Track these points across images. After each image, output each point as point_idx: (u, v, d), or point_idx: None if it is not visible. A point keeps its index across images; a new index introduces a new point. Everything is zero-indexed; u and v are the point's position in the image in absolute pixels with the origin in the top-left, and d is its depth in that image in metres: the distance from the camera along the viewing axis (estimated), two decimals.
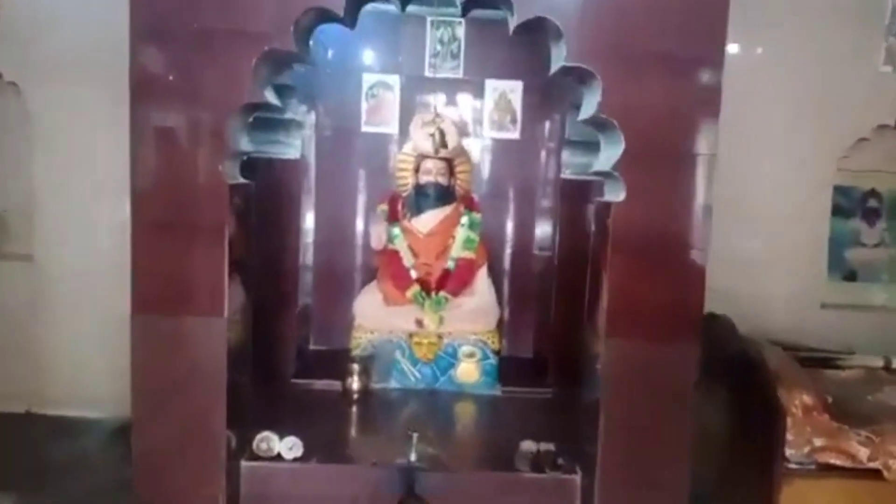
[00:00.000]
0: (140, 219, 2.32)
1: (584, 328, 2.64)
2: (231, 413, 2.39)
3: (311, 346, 3.72)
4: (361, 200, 3.70)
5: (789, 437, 2.65)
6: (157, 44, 2.30)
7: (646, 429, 2.40)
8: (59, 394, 4.07)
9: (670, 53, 2.29)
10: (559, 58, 2.34)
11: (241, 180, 2.50)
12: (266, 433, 2.59)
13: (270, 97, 2.43)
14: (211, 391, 2.37)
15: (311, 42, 2.57)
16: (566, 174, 3.28)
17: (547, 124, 3.67)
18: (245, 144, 2.49)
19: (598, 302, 2.42)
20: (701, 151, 2.32)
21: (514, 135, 3.67)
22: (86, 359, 4.00)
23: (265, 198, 3.17)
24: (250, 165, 3.21)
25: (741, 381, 2.98)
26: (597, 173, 2.53)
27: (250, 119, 2.53)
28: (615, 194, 2.34)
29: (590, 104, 2.38)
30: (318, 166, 3.64)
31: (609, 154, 2.39)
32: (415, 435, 2.58)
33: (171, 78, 2.29)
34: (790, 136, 4.04)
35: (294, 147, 3.31)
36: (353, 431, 2.90)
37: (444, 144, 3.08)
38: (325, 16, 2.40)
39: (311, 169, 3.62)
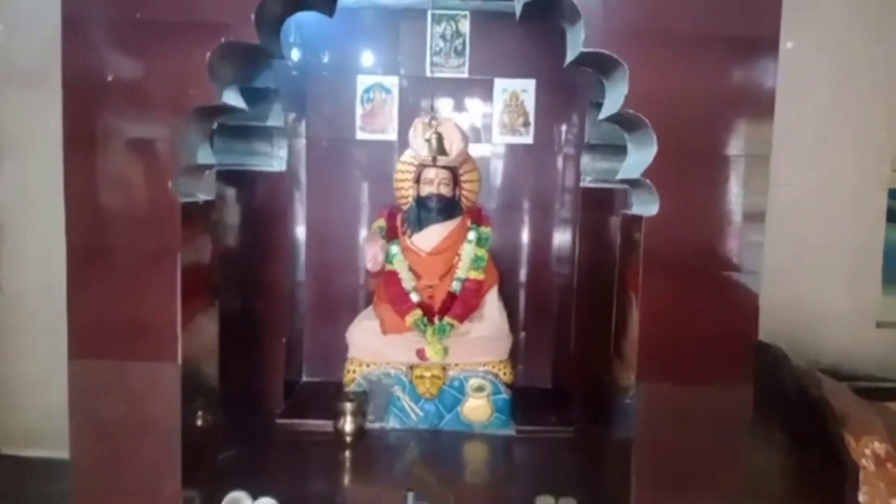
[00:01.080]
0: (75, 245, 1.93)
1: (612, 358, 2.27)
2: (194, 468, 2.01)
3: (304, 379, 3.45)
4: (357, 216, 3.39)
5: (862, 497, 2.18)
6: (94, 36, 1.89)
7: (687, 482, 1.98)
8: (29, 431, 3.68)
9: (713, 35, 1.85)
10: (576, 44, 1.91)
11: (201, 198, 2.09)
12: (235, 494, 2.17)
13: (233, 100, 2.02)
14: (163, 448, 1.97)
15: (280, 33, 2.15)
16: (586, 182, 2.92)
17: (563, 127, 3.32)
18: (206, 156, 2.08)
19: (627, 330, 1.99)
20: (751, 153, 1.87)
21: (527, 139, 3.35)
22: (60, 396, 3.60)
23: (249, 215, 2.92)
24: (231, 180, 2.91)
25: (799, 425, 2.50)
26: (623, 181, 2.09)
27: (213, 126, 2.14)
28: (646, 206, 1.91)
29: (614, 99, 1.94)
30: (310, 179, 3.35)
31: (638, 158, 1.95)
32: (410, 495, 2.14)
33: (109, 78, 1.89)
34: (838, 132, 3.54)
35: (279, 159, 2.95)
36: (344, 482, 2.53)
37: (442, 151, 2.65)
38: (296, 1, 1.99)
39: (302, 182, 3.35)
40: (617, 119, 1.98)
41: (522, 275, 3.43)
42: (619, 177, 2.09)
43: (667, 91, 1.85)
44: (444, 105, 3.35)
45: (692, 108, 1.86)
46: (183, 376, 1.95)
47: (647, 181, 1.86)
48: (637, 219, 1.94)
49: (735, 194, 1.89)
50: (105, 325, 1.93)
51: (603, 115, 2.03)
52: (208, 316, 2.21)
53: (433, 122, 2.67)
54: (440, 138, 2.62)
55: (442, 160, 2.82)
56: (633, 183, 2.02)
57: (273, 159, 2.94)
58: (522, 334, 3.36)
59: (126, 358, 1.93)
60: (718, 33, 1.86)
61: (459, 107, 3.36)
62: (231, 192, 2.91)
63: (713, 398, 1.92)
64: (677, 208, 1.87)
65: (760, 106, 1.88)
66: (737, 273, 1.90)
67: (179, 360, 1.93)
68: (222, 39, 1.86)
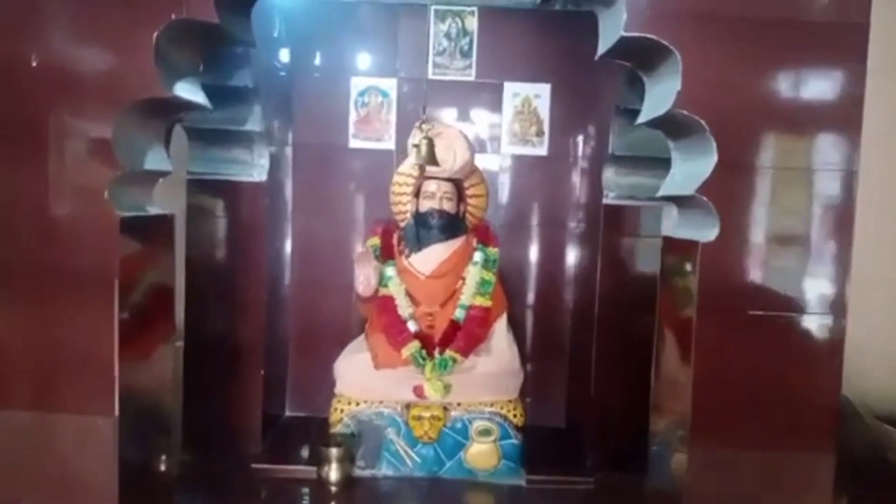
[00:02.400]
0: None
1: (648, 408, 1.94)
2: None
3: (287, 413, 3.13)
4: (349, 233, 3.08)
5: None
6: (14, 11, 1.47)
7: None
8: None
9: (788, 21, 1.43)
10: (613, 29, 1.50)
11: (152, 211, 1.67)
12: None
13: (188, 93, 1.60)
14: None
15: (249, 15, 1.74)
16: (609, 199, 2.62)
17: (582, 137, 3.03)
18: (158, 161, 1.67)
19: (672, 379, 1.60)
20: (834, 166, 1.45)
21: (541, 150, 3.05)
22: None
23: (225, 231, 2.64)
24: (206, 191, 2.61)
25: (875, 489, 2.04)
26: (665, 198, 1.66)
27: (167, 126, 1.73)
28: (699, 229, 1.49)
29: (659, 98, 1.54)
30: (296, 191, 3.05)
31: (688, 171, 1.54)
32: None
33: (34, 63, 1.47)
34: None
35: (259, 167, 2.64)
36: None
37: (432, 159, 2.25)
38: None
39: (287, 194, 3.02)
40: (661, 123, 1.57)
41: (531, 300, 3.14)
42: (661, 193, 1.69)
43: (730, 88, 1.43)
44: (448, 112, 3.01)
45: (761, 110, 1.44)
46: (128, 424, 1.54)
47: (704, 199, 1.43)
48: (686, 245, 1.52)
49: (815, 217, 1.47)
50: (26, 366, 1.50)
51: (644, 117, 1.62)
52: (164, 349, 1.80)
53: (424, 126, 2.25)
54: (430, 145, 2.20)
55: (434, 171, 2.49)
56: (679, 201, 1.61)
57: (253, 168, 2.63)
58: (529, 366, 3.04)
59: (47, 409, 1.50)
60: (795, 18, 1.44)
61: (465, 114, 3.05)
62: (205, 205, 2.62)
63: (785, 468, 1.51)
64: (741, 233, 1.45)
65: (846, 109, 1.46)
66: (816, 316, 1.48)
67: (116, 412, 1.50)
68: (172, 16, 1.44)
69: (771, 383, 1.54)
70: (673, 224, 1.67)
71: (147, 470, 1.77)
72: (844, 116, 1.47)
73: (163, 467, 1.89)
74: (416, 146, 2.19)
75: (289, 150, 2.97)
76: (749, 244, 1.48)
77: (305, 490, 2.43)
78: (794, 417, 1.51)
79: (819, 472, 1.51)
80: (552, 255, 3.09)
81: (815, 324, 1.49)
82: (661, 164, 2.35)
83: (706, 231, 1.49)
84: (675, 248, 1.67)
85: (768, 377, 1.53)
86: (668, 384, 1.76)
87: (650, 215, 2.53)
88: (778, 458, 1.52)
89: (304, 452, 2.66)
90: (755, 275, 1.49)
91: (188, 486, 2.34)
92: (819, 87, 1.46)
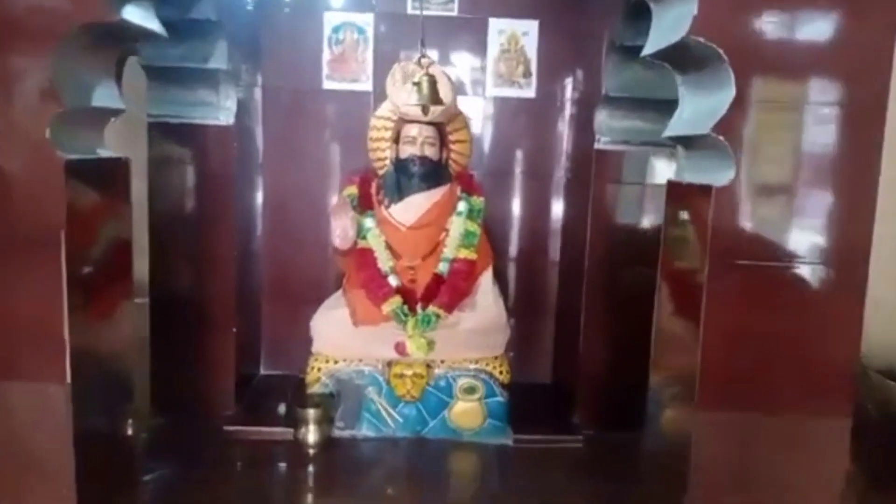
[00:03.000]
0: None
1: (637, 360, 1.86)
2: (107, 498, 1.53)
3: (262, 372, 3.00)
4: (324, 182, 2.91)
5: None
6: None
7: None
8: None
9: None
10: None
11: (103, 154, 1.49)
12: None
13: (139, 18, 1.40)
14: (51, 489, 1.40)
15: None
16: (602, 144, 2.47)
17: (573, 77, 2.86)
18: (107, 99, 1.48)
19: (677, 339, 1.47)
20: (862, 103, 1.31)
21: (528, 92, 2.88)
22: None
23: (190, 179, 2.47)
24: (168, 135, 2.43)
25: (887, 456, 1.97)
26: (672, 140, 1.52)
27: (118, 57, 1.53)
28: (711, 173, 1.35)
29: (670, 25, 1.37)
30: (267, 137, 2.86)
31: (700, 107, 1.40)
32: None
33: None
34: None
35: (225, 110, 2.46)
36: None
37: (435, 99, 2.07)
38: None
39: (258, 140, 2.82)
40: (669, 55, 1.41)
41: (516, 252, 3.02)
42: (667, 133, 1.53)
43: (752, 11, 1.27)
44: (428, 51, 2.74)
45: (786, 38, 1.29)
46: (84, 390, 1.39)
47: (719, 138, 1.29)
48: (694, 191, 1.38)
49: (839, 160, 1.34)
50: None
51: (650, 48, 1.46)
52: (123, 307, 1.64)
53: (423, 61, 2.06)
54: (433, 82, 2.03)
55: (433, 114, 2.31)
56: (688, 142, 1.46)
57: (219, 111, 2.45)
58: (513, 321, 2.90)
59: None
60: None
61: (446, 53, 2.85)
62: (169, 151, 2.44)
63: (798, 433, 1.40)
64: (759, 176, 1.31)
65: (879, 40, 1.31)
66: (835, 269, 1.36)
67: (68, 378, 1.35)
68: None
69: (786, 340, 1.43)
70: (680, 168, 1.53)
71: (110, 437, 1.63)
72: (876, 49, 1.32)
73: (129, 433, 1.74)
74: (417, 84, 2.00)
75: (258, 93, 2.77)
76: (767, 189, 1.35)
77: (281, 452, 2.31)
78: (809, 378, 1.41)
79: (834, 436, 1.41)
80: (539, 204, 2.97)
81: (834, 276, 1.38)
82: (659, 105, 2.23)
83: (719, 174, 1.36)
84: (682, 195, 1.54)
85: (783, 334, 1.42)
86: (669, 340, 1.65)
87: (645, 161, 2.43)
88: (791, 421, 1.43)
89: (281, 412, 2.55)
90: (773, 223, 1.37)
91: (155, 453, 2.23)
92: (848, 15, 1.30)
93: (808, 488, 1.48)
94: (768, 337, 1.41)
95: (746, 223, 1.38)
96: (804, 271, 1.39)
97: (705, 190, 1.37)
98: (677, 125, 1.49)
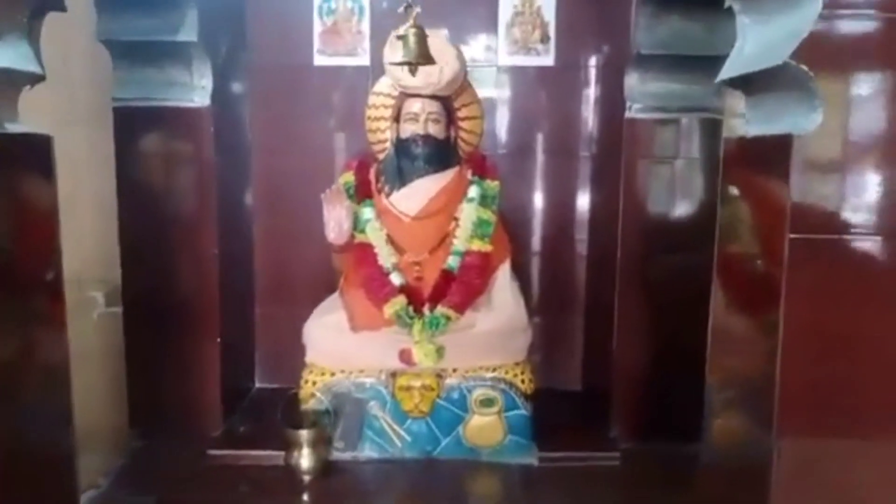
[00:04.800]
0: None
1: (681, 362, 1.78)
2: None
3: (257, 385, 2.77)
4: (320, 169, 2.66)
5: None
6: None
7: None
8: None
9: None
10: None
11: (12, 129, 1.21)
12: None
13: None
14: None
15: None
16: (633, 112, 2.21)
17: (597, 38, 2.60)
18: (17, 59, 1.19)
19: (722, 326, 1.16)
20: None
21: (547, 60, 2.64)
22: None
23: (164, 170, 2.24)
24: (137, 121, 2.18)
25: None
26: (733, 84, 1.18)
27: (30, 9, 1.24)
28: (788, 119, 1.01)
29: None
30: (254, 120, 2.64)
31: (768, 36, 1.06)
32: None
33: None
34: None
35: (200, 90, 2.23)
36: None
37: (424, 54, 1.75)
38: None
39: (244, 124, 2.59)
40: None
41: (538, 243, 2.80)
42: (724, 75, 1.20)
43: None
44: (431, 15, 2.46)
45: None
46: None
47: (802, 68, 0.95)
48: (764, 149, 1.05)
49: None
50: None
51: None
52: (52, 317, 1.35)
53: (409, 9, 1.75)
54: (421, 35, 1.72)
55: (417, 87, 2.11)
56: (749, 85, 1.12)
57: (192, 91, 2.23)
58: (537, 321, 2.71)
59: None
60: None
61: (452, 18, 2.60)
62: (138, 139, 2.22)
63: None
64: (854, 124, 0.96)
65: None
66: None
67: None
68: None
69: (887, 341, 1.08)
70: (745, 120, 1.19)
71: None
72: None
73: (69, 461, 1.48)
74: (402, 37, 1.70)
75: (243, 71, 2.53)
76: (872, 135, 1.01)
77: (272, 479, 2.06)
78: None
79: None
80: (563, 187, 2.72)
81: None
82: (701, 63, 1.99)
83: (800, 120, 1.02)
84: (743, 157, 1.20)
85: (885, 333, 1.07)
86: (728, 338, 1.33)
87: (685, 131, 2.16)
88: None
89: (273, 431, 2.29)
90: (873, 186, 1.02)
91: (129, 480, 2.03)
92: None
93: None
94: (863, 337, 1.07)
95: (838, 187, 1.03)
96: None
97: (779, 145, 1.03)
98: (737, 63, 1.16)
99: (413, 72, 1.85)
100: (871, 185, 1.07)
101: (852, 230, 1.06)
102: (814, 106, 0.98)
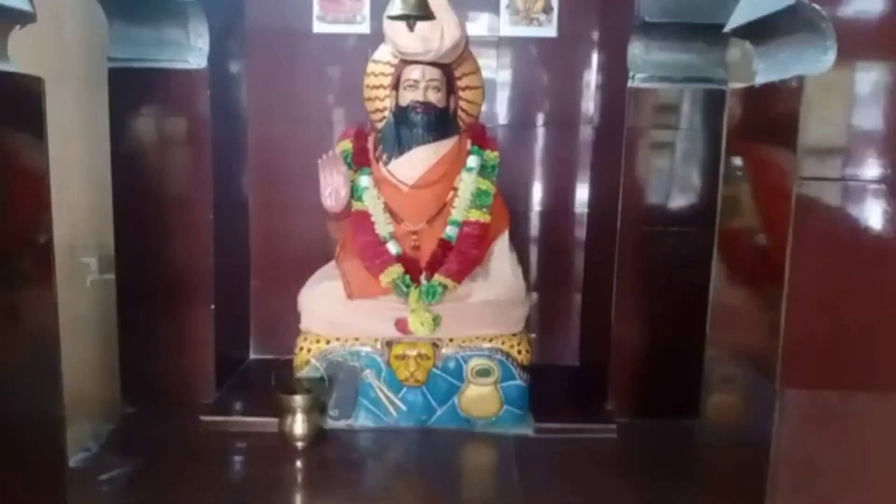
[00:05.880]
0: None
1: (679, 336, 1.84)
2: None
3: (252, 356, 2.73)
4: (318, 138, 2.61)
5: None
6: None
7: None
8: None
9: None
10: None
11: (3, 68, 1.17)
12: None
13: None
14: None
15: None
16: (637, 82, 2.17)
17: (601, 8, 2.55)
18: None
19: (725, 296, 1.16)
20: None
21: (549, 31, 2.59)
22: None
23: (159, 133, 2.21)
24: (132, 82, 2.13)
25: None
26: (742, 34, 1.15)
27: None
28: (800, 63, 0.99)
29: None
30: (251, 87, 2.59)
31: None
32: None
33: None
34: None
35: (197, 51, 2.19)
36: None
37: (422, 7, 1.71)
38: None
39: (241, 90, 2.54)
40: None
41: (537, 215, 2.75)
42: (732, 24, 1.17)
43: None
44: None
45: None
46: None
47: (813, 6, 0.92)
48: (776, 97, 1.01)
49: None
50: None
51: None
52: (40, 278, 1.31)
53: None
54: None
55: (416, 53, 2.08)
56: (758, 35, 1.09)
57: (189, 51, 2.18)
58: (536, 295, 2.71)
59: None
60: None
61: None
62: (133, 100, 2.17)
63: None
64: (871, 63, 0.94)
65: None
66: None
67: None
68: None
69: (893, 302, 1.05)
70: (756, 70, 1.16)
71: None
72: None
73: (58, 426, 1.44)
74: None
75: (240, 35, 2.49)
76: (886, 75, 0.98)
77: (266, 446, 2.05)
78: None
79: None
80: (564, 159, 2.67)
81: None
82: (708, 31, 1.95)
83: (812, 61, 0.99)
84: (748, 116, 1.17)
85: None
86: (731, 309, 1.30)
87: (690, 101, 2.12)
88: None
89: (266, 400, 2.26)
90: (892, 127, 0.99)
91: (120, 447, 1.99)
92: None
93: None
94: (880, 293, 1.04)
95: (851, 131, 1.00)
96: None
97: (790, 90, 1.00)
98: (747, 9, 1.12)
99: (411, 27, 1.81)
100: (876, 131, 1.04)
101: (865, 178, 1.03)
102: (826, 47, 0.95)
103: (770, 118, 1.13)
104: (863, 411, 1.06)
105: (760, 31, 1.11)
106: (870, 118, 1.03)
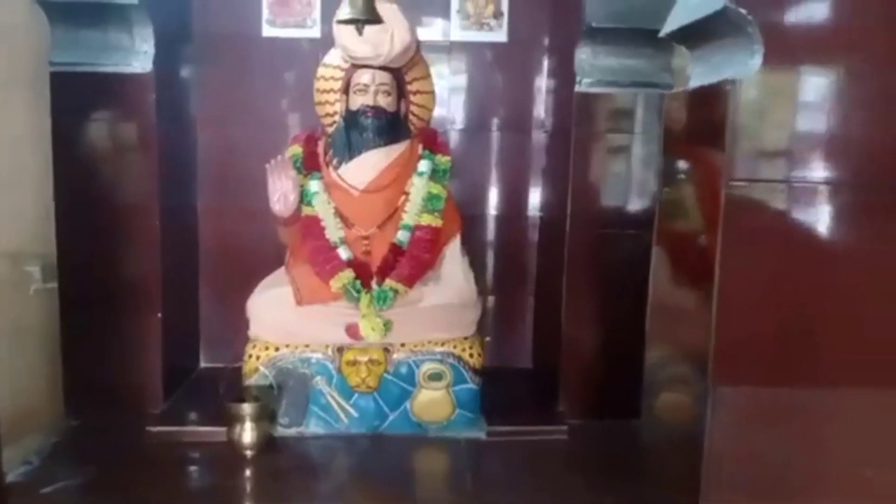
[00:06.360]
0: None
1: (628, 340, 1.77)
2: None
3: (202, 365, 2.69)
4: (267, 143, 2.50)
5: None
6: None
7: None
8: None
9: None
10: None
11: None
12: None
13: None
14: None
15: None
16: (584, 87, 2.19)
17: (551, 12, 2.56)
18: None
19: (679, 298, 1.18)
20: None
21: (500, 36, 2.60)
22: None
23: (103, 139, 2.16)
24: (76, 87, 2.09)
25: None
26: (677, 39, 1.17)
27: None
28: (730, 67, 1.01)
29: None
30: (201, 91, 2.55)
31: None
32: None
33: None
34: None
35: (141, 55, 2.15)
36: None
37: (370, 11, 1.70)
38: None
39: (189, 95, 2.50)
40: None
41: (490, 220, 2.75)
42: (668, 28, 1.19)
43: None
44: None
45: None
46: None
47: (741, 11, 0.95)
48: (708, 100, 1.03)
49: None
50: None
51: None
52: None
53: None
54: None
55: (366, 57, 2.07)
56: (692, 40, 1.11)
57: (133, 56, 2.15)
58: (491, 299, 2.72)
59: None
60: None
61: None
62: (76, 105, 2.12)
63: (842, 408, 1.06)
64: (800, 62, 0.96)
65: None
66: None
67: None
68: None
69: (832, 298, 1.08)
70: (691, 75, 1.18)
71: None
72: None
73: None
74: None
75: (187, 39, 2.45)
76: (812, 78, 1.00)
77: (214, 455, 2.00)
78: (864, 341, 1.07)
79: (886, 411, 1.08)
80: (517, 163, 2.67)
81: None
82: (653, 37, 1.93)
83: (741, 64, 1.01)
84: (687, 105, 1.19)
85: (829, 287, 1.07)
86: (669, 310, 1.32)
87: (637, 105, 2.15)
88: (831, 397, 1.08)
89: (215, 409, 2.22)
90: (819, 129, 1.01)
91: (63, 459, 1.94)
92: None
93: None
94: (808, 291, 1.07)
95: (781, 131, 1.03)
96: (861, 198, 1.04)
97: (718, 93, 1.02)
98: (681, 14, 1.14)
99: (360, 30, 1.80)
100: (814, 132, 1.07)
101: (793, 179, 1.05)
102: (753, 51, 0.97)
103: (702, 121, 1.15)
104: (807, 407, 1.08)
105: (694, 36, 1.13)
106: (799, 121, 1.06)
